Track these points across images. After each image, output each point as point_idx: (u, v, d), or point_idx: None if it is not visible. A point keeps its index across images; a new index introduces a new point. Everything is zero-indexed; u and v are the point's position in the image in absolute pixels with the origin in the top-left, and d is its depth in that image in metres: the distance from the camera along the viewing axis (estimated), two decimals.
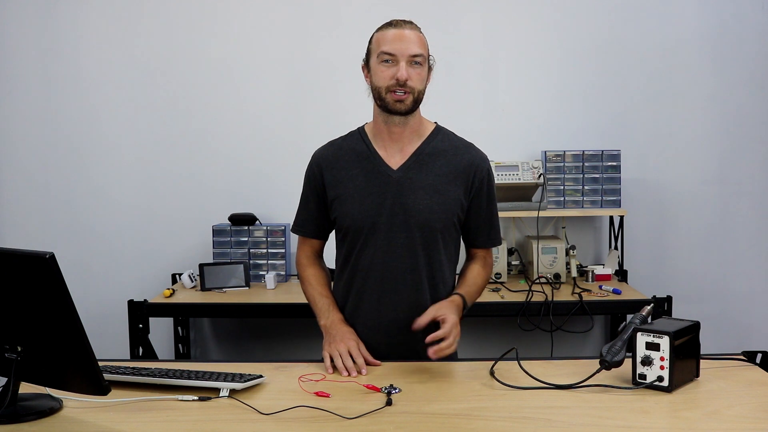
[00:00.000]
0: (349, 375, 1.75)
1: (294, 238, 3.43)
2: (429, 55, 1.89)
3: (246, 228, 3.35)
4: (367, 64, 1.90)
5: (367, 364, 1.81)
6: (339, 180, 1.94)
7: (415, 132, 1.93)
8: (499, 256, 3.17)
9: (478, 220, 1.97)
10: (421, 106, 1.91)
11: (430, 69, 1.90)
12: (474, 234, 1.99)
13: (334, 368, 1.78)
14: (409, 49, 1.82)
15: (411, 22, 1.88)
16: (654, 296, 2.96)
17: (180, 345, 3.43)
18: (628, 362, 1.63)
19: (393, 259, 1.89)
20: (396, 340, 1.91)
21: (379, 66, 1.84)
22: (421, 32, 1.89)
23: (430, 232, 1.89)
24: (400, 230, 1.89)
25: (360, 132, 1.99)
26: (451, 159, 1.93)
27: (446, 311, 1.80)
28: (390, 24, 1.87)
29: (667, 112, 3.45)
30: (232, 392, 1.59)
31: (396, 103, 1.84)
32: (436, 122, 2.00)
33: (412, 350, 1.88)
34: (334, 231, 2.03)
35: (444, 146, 1.94)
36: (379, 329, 1.92)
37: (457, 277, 2.03)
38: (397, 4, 3.37)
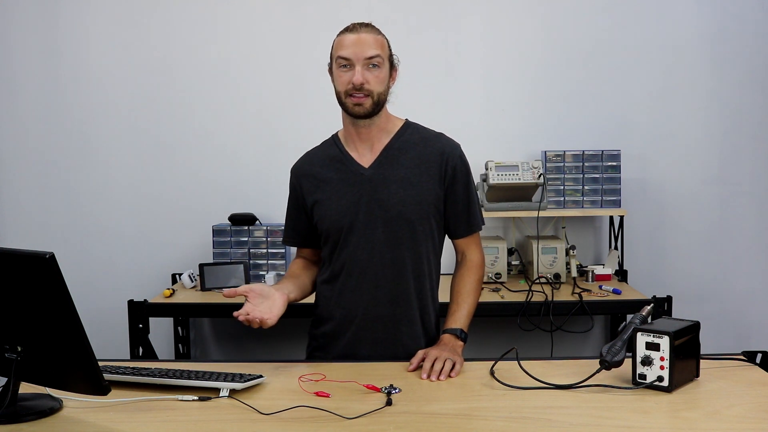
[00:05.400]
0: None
1: None
2: (391, 55, 1.91)
3: (246, 228, 3.35)
4: (330, 69, 1.93)
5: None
6: (315, 186, 1.97)
7: (383, 130, 1.95)
8: (499, 256, 3.17)
9: (456, 209, 1.97)
10: (395, 104, 1.93)
11: (394, 69, 1.92)
12: (454, 223, 1.99)
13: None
14: (364, 52, 1.84)
15: (369, 25, 1.90)
16: (654, 296, 2.96)
17: (180, 345, 3.43)
18: (628, 362, 1.63)
19: (373, 255, 1.91)
20: (381, 336, 1.93)
21: (337, 71, 1.88)
22: (379, 34, 1.90)
23: (407, 224, 1.90)
24: (378, 226, 1.90)
25: (333, 138, 2.03)
26: (422, 151, 1.94)
27: (430, 351, 1.80)
28: (347, 29, 1.89)
29: (667, 112, 3.45)
30: (232, 392, 1.60)
31: (355, 107, 1.87)
32: (406, 118, 2.02)
33: (399, 345, 1.91)
34: None
35: (414, 139, 1.96)
36: (364, 326, 1.93)
37: (449, 292, 2.01)
38: (397, 4, 3.38)
